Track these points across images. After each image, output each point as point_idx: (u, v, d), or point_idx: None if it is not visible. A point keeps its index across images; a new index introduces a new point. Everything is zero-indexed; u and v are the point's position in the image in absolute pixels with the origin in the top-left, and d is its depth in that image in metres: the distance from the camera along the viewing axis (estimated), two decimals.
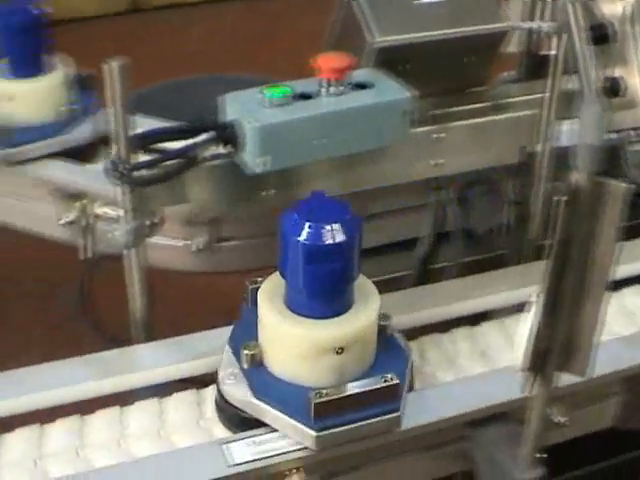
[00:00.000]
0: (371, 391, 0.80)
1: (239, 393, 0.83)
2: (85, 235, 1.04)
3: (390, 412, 0.81)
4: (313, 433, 0.79)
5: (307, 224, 0.75)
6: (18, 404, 0.89)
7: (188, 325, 0.96)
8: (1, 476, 0.82)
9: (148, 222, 0.91)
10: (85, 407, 0.90)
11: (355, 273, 0.80)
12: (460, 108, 1.14)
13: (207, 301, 1.72)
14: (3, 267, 2.17)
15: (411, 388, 0.88)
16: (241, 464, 0.80)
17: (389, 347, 0.86)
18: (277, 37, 3.01)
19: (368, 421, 0.80)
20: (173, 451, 0.83)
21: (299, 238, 0.76)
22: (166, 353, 0.93)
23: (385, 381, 0.80)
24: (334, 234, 0.75)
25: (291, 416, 0.80)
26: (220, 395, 0.85)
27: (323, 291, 0.79)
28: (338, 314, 0.80)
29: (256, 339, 0.84)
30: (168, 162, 0.90)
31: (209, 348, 0.92)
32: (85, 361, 0.93)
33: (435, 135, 1.10)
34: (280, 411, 0.81)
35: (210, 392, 0.89)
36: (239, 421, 0.84)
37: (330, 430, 0.80)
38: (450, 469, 0.94)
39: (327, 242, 0.75)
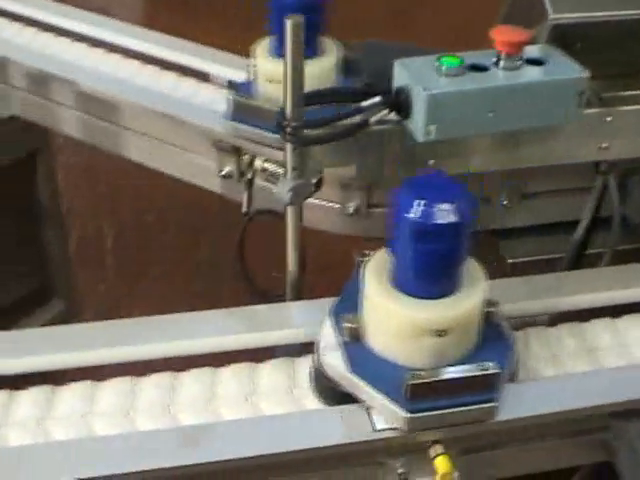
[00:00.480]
0: (468, 378, 0.79)
1: (336, 365, 0.83)
2: (246, 189, 1.06)
3: (486, 402, 0.80)
4: (405, 414, 0.78)
5: (420, 201, 0.74)
6: (155, 350, 0.91)
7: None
8: (137, 422, 0.85)
9: (307, 181, 0.92)
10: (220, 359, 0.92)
11: (463, 256, 0.79)
12: (631, 92, 1.11)
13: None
14: (152, 213, 2.23)
15: (513, 380, 0.86)
16: (385, 430, 0.80)
17: (493, 335, 0.84)
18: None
19: (462, 408, 0.79)
20: (309, 411, 0.85)
21: (410, 215, 0.75)
22: (313, 313, 0.93)
23: (483, 369, 0.79)
24: (445, 214, 0.74)
25: (385, 394, 0.79)
26: (317, 366, 0.85)
27: (429, 272, 0.78)
28: (443, 296, 0.79)
29: (358, 313, 0.83)
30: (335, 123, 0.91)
31: None
32: (230, 313, 0.94)
33: (604, 118, 1.08)
34: (374, 388, 0.80)
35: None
36: (333, 394, 0.84)
37: (423, 413, 0.78)
38: (591, 458, 0.93)
39: (437, 222, 0.74)
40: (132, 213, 2.31)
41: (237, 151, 1.15)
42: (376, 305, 0.80)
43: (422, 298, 0.78)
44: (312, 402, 0.86)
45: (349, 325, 0.82)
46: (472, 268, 0.82)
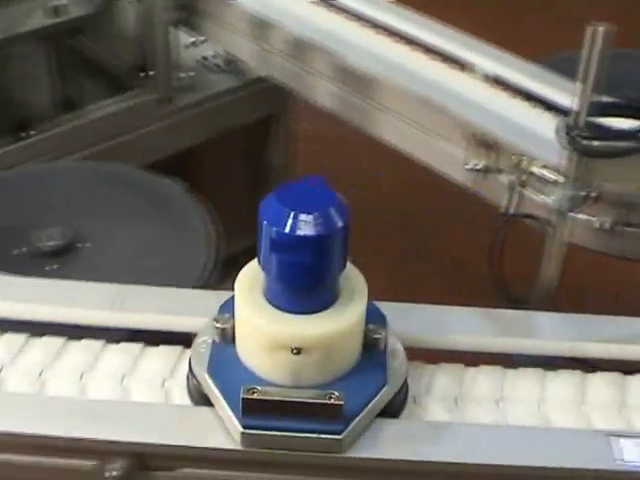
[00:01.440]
0: (306, 404, 0.72)
1: (198, 363, 0.78)
2: (509, 190, 1.04)
3: (330, 433, 0.73)
4: (239, 429, 0.73)
5: (281, 209, 0.68)
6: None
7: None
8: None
9: (583, 193, 0.90)
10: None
11: (331, 272, 0.72)
12: None
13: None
14: (370, 192, 2.24)
15: (395, 415, 0.79)
16: (630, 462, 0.77)
17: (374, 364, 0.77)
18: None
19: (302, 434, 0.73)
20: (555, 429, 0.82)
21: (267, 222, 0.69)
22: (565, 327, 0.90)
23: (325, 398, 0.72)
24: (303, 225, 0.68)
25: (229, 404, 0.74)
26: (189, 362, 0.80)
27: (286, 284, 0.71)
28: (310, 312, 0.73)
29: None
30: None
31: (620, 334, 0.88)
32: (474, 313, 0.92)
33: None
34: (223, 395, 0.75)
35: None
36: (198, 392, 0.79)
37: (258, 431, 0.73)
38: None
39: (292, 233, 0.68)
40: (350, 187, 2.32)
41: (490, 147, 1.13)
42: (239, 311, 0.75)
43: (287, 312, 0.73)
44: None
45: (219, 325, 0.77)
46: (358, 287, 0.76)
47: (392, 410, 0.78)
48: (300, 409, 0.72)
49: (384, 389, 0.76)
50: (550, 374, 0.87)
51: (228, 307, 0.78)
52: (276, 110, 1.81)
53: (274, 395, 0.72)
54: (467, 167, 1.16)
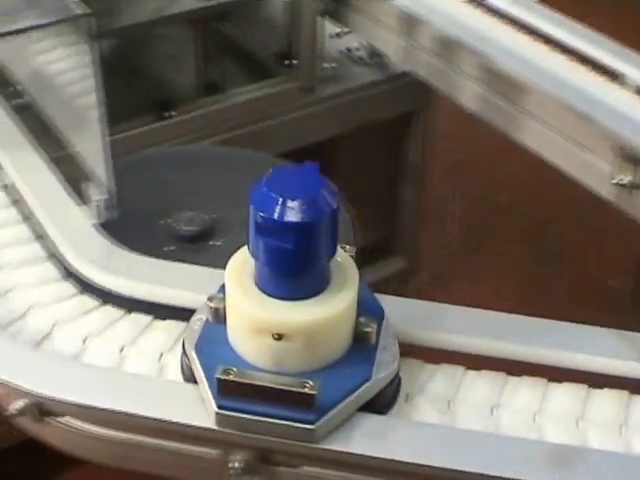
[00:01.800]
0: (281, 390, 0.72)
1: (189, 339, 0.79)
2: None
3: (303, 422, 0.73)
4: (214, 408, 0.74)
5: (267, 194, 0.68)
6: (530, 352, 0.87)
7: None
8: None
9: None
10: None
11: (315, 260, 0.71)
12: None
13: None
14: (504, 194, 2.21)
15: (382, 412, 0.78)
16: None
17: (365, 357, 0.77)
18: None
19: (277, 421, 0.73)
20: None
21: (253, 205, 0.69)
22: None
23: (303, 387, 0.71)
24: (289, 211, 0.68)
25: (210, 383, 0.74)
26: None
27: (271, 270, 0.72)
28: (292, 298, 0.73)
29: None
30: None
31: None
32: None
33: None
34: (205, 373, 0.75)
35: None
36: (189, 371, 0.79)
37: (232, 412, 0.74)
38: None
39: (276, 217, 0.68)
40: (485, 188, 2.30)
41: (639, 162, 1.09)
42: (228, 294, 0.76)
43: (274, 297, 0.73)
44: None
45: (212, 305, 0.78)
46: (350, 276, 0.75)
47: (379, 406, 0.79)
48: (273, 395, 0.73)
49: (367, 383, 0.76)
50: (554, 385, 0.85)
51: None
52: (417, 106, 1.79)
53: (248, 378, 0.73)
54: (612, 181, 1.12)
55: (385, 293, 0.85)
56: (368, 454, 0.75)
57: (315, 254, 0.71)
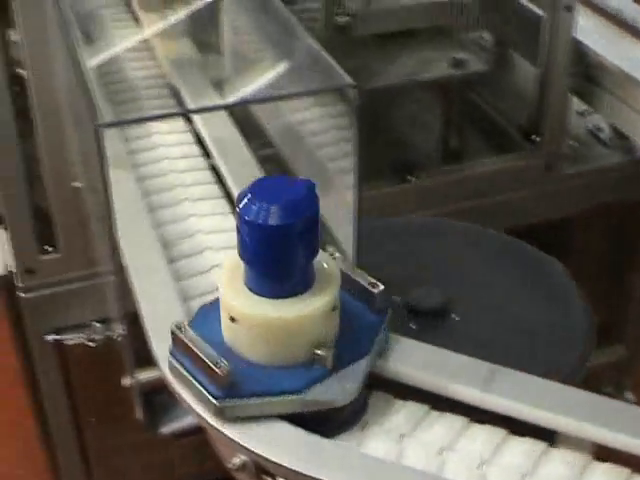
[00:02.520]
0: (199, 357, 0.78)
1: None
2: None
3: (211, 395, 0.78)
4: (166, 359, 0.81)
5: (250, 198, 0.73)
6: None
7: None
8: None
9: None
10: None
11: (292, 263, 0.75)
12: None
13: None
14: None
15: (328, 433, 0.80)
16: None
17: (312, 375, 0.79)
18: None
19: (196, 382, 0.79)
20: None
21: (238, 208, 0.73)
22: None
23: (216, 364, 0.77)
24: (262, 214, 0.72)
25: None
26: None
27: (251, 266, 0.76)
28: (268, 296, 0.77)
29: None
30: None
31: None
32: None
33: None
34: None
35: None
36: None
37: (178, 366, 0.80)
38: None
39: (252, 219, 0.72)
40: None
41: None
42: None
43: (256, 294, 0.77)
44: None
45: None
46: (330, 281, 0.78)
47: (326, 427, 0.80)
48: (197, 359, 0.78)
49: (291, 396, 0.78)
50: (513, 438, 0.82)
51: None
52: None
53: (187, 338, 0.79)
54: None
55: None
56: (256, 451, 0.78)
57: (292, 256, 0.75)
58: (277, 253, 0.75)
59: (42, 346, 1.51)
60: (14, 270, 1.43)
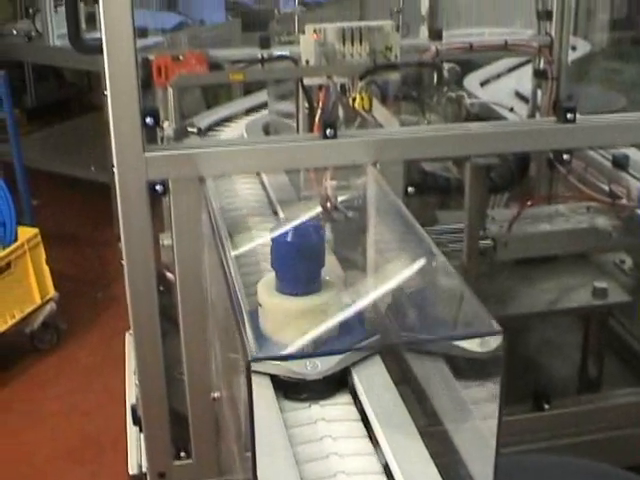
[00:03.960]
0: None
1: None
2: None
3: None
4: None
5: (282, 229, 1.14)
6: None
7: None
8: None
9: None
10: None
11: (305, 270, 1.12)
12: None
13: None
14: None
15: None
16: None
17: None
18: None
19: None
20: None
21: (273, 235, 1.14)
22: None
23: None
24: (288, 238, 1.12)
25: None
26: None
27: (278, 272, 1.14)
28: (292, 294, 1.12)
29: None
30: None
31: None
32: None
33: None
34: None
35: None
36: None
37: None
38: None
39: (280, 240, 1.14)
40: None
41: None
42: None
43: (282, 293, 1.13)
44: None
45: None
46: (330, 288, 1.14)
47: None
48: None
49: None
50: None
51: None
52: None
53: None
54: None
55: None
56: None
57: (299, 266, 1.12)
58: (299, 263, 1.12)
59: None
60: (146, 471, 1.44)
